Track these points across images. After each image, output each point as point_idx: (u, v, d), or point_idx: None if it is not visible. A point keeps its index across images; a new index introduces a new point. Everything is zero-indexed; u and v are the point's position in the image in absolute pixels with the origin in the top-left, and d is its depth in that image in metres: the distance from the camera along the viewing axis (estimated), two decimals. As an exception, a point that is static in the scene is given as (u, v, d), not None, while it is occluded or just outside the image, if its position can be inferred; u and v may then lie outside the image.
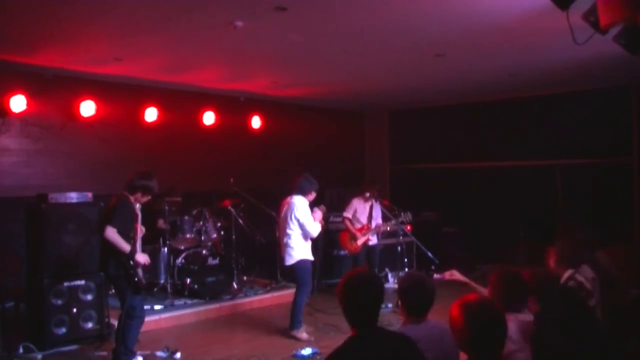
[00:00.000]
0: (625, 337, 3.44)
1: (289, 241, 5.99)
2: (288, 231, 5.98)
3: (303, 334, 5.94)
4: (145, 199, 5.04)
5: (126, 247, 4.75)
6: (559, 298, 3.33)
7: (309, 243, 6.12)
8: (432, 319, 2.96)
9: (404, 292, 3.01)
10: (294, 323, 5.98)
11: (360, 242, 7.20)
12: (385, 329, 2.66)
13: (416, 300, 2.97)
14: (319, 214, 6.08)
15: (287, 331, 6.04)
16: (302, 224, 5.92)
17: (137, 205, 5.11)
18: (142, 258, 4.89)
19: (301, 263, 6.01)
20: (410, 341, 2.58)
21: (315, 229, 5.98)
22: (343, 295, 2.58)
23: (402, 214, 6.96)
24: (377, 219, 7.38)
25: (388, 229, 7.50)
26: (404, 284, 3.06)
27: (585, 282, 4.06)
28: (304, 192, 6.03)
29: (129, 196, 4.93)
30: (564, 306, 3.20)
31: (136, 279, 4.77)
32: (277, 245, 8.39)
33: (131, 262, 4.78)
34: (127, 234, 4.83)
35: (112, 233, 4.68)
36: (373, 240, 7.42)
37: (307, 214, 5.95)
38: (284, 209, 6.11)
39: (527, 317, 3.15)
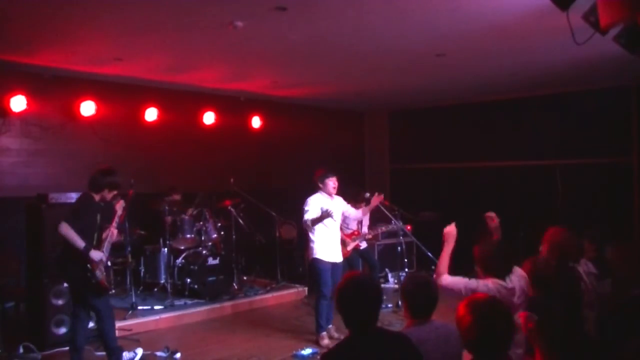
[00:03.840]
0: (625, 336, 3.44)
1: (312, 236, 5.92)
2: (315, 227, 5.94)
3: (324, 340, 5.79)
4: (112, 194, 4.91)
5: (80, 243, 4.59)
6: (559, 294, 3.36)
7: (332, 243, 5.97)
8: (436, 320, 2.93)
9: (408, 294, 2.96)
10: (316, 327, 5.91)
11: (350, 247, 7.26)
12: (382, 329, 2.65)
13: (421, 302, 2.92)
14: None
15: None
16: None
17: (120, 205, 5.00)
18: (96, 255, 4.68)
19: (314, 262, 5.92)
20: (407, 340, 2.56)
21: (305, 219, 5.83)
22: (339, 301, 2.58)
23: (393, 220, 6.97)
24: (365, 226, 7.49)
25: (380, 232, 7.58)
26: (408, 286, 3.01)
27: (584, 276, 4.06)
28: (321, 189, 6.02)
29: (93, 195, 4.81)
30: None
31: (94, 281, 4.66)
32: (277, 245, 8.42)
33: (88, 266, 4.63)
34: (88, 234, 4.71)
35: (66, 229, 4.55)
36: (363, 245, 7.46)
37: (307, 205, 5.88)
38: None
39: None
